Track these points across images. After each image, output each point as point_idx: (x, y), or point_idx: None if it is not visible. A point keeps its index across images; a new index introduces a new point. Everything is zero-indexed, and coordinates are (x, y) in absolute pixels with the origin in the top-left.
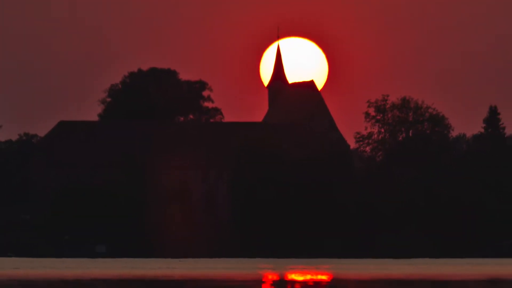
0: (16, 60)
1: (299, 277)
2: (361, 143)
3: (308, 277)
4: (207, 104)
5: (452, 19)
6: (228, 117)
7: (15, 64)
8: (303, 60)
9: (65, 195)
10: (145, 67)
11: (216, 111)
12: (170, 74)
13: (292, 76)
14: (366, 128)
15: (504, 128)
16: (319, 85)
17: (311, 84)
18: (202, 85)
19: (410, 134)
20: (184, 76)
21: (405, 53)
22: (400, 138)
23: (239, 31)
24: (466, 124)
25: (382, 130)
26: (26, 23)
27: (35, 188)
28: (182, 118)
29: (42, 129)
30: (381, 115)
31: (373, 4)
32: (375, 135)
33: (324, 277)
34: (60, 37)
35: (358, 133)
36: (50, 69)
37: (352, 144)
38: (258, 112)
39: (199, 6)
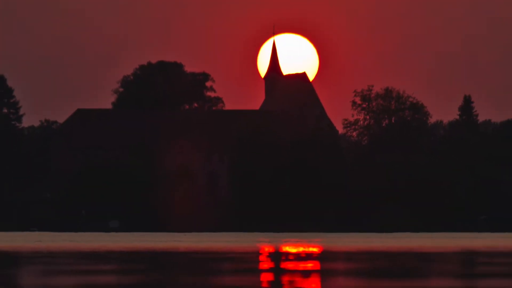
0: (38, 55)
1: (292, 249)
2: (349, 128)
3: (301, 249)
4: (210, 93)
5: (430, 20)
6: (228, 106)
7: (38, 58)
8: (296, 54)
9: (81, 175)
10: (154, 60)
11: (218, 100)
12: (177, 67)
13: (287, 68)
14: (353, 115)
15: (477, 116)
16: (311, 76)
17: (303, 76)
18: (205, 76)
19: (393, 121)
20: (189, 68)
21: (389, 48)
22: (384, 125)
23: (238, 28)
24: (443, 111)
25: (367, 117)
26: (50, 22)
27: (55, 169)
28: (187, 106)
29: (61, 116)
30: (366, 103)
31: (360, 4)
32: (361, 122)
33: (315, 249)
34: (78, 35)
35: (345, 119)
36: (69, 63)
37: (340, 130)
38: (256, 101)
39: (203, 6)
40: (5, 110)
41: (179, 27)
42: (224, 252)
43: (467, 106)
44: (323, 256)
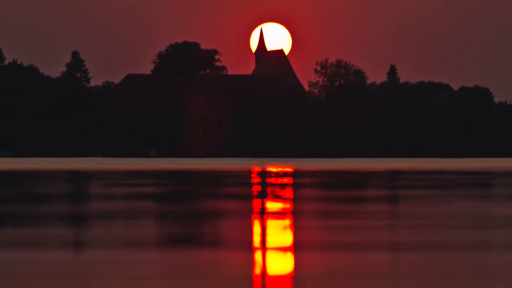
0: (101, 35)
1: (274, 169)
2: (312, 87)
3: (280, 169)
4: (218, 63)
5: (369, 10)
6: (230, 72)
7: (100, 38)
8: (276, 37)
9: (130, 120)
10: (180, 40)
11: (223, 68)
12: (195, 45)
13: (270, 46)
14: (315, 78)
15: (399, 78)
16: (286, 52)
17: (281, 52)
18: (214, 52)
19: (342, 82)
20: (203, 46)
21: (340, 31)
22: (336, 84)
23: (238, 18)
24: (376, 75)
25: (325, 80)
26: (110, 13)
27: (112, 116)
28: (202, 72)
29: (116, 79)
30: (324, 70)
31: (320, 3)
32: (321, 83)
33: (289, 169)
34: (129, 22)
35: (310, 81)
36: (122, 42)
37: (307, 88)
38: (249, 69)
39: (215, 4)
40: (78, 75)
41: (197, 17)
42: (228, 171)
43: (392, 71)
44: (295, 174)
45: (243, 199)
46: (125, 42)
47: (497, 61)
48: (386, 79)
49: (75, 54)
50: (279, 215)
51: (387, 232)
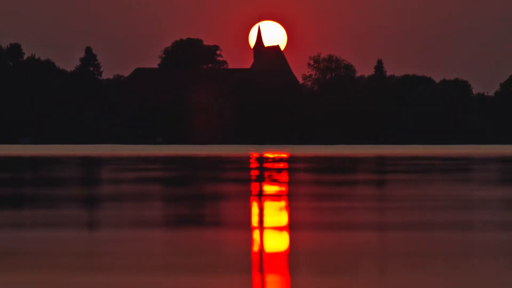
0: (112, 33)
1: (270, 155)
2: (305, 80)
3: (276, 155)
4: (219, 58)
5: (357, 11)
6: (231, 66)
7: (111, 35)
8: (273, 33)
9: (138, 109)
10: (184, 37)
11: (224, 62)
12: (198, 41)
13: (267, 42)
14: (308, 72)
15: (385, 72)
16: (282, 47)
17: (277, 47)
18: (216, 47)
19: (333, 75)
20: (206, 42)
21: (331, 28)
22: (327, 77)
23: (238, 17)
24: (364, 69)
25: (317, 73)
26: (121, 14)
27: (122, 106)
28: (205, 66)
29: (126, 72)
30: (316, 64)
31: (313, 3)
32: (313, 76)
33: (284, 155)
34: (140, 21)
35: (304, 74)
36: (132, 39)
37: (301, 81)
38: (248, 63)
39: (217, 4)
40: (91, 68)
41: (200, 16)
42: (228, 157)
43: (379, 65)
44: (290, 160)
45: (242, 183)
46: (134, 39)
47: (475, 56)
48: (373, 73)
49: (88, 50)
50: (275, 197)
51: (374, 213)
